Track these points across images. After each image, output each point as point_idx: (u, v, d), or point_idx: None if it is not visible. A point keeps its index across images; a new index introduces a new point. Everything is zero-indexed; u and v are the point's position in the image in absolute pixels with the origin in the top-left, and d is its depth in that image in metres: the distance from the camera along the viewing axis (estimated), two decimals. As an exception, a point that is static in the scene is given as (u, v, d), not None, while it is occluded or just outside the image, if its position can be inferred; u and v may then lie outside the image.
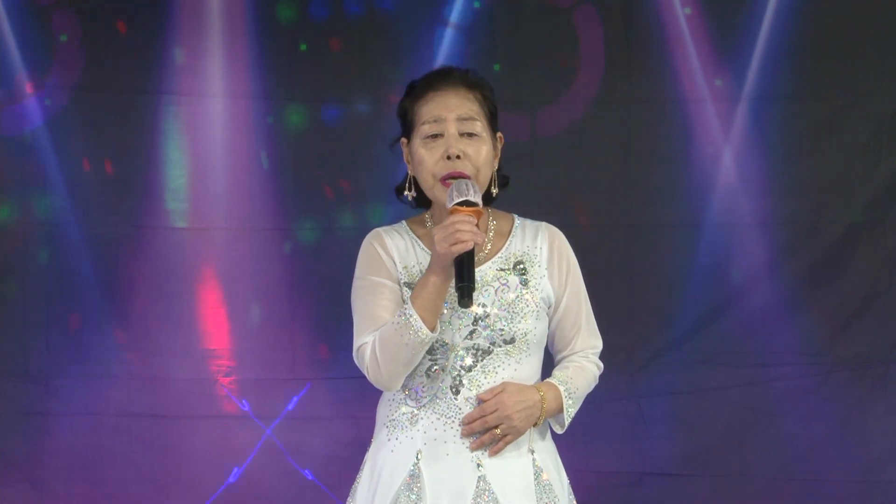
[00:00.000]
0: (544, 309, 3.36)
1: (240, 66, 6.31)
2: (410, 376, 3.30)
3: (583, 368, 3.41)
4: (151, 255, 6.27)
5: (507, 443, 3.26)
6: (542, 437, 3.35)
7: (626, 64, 6.35)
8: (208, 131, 6.33)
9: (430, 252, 3.29)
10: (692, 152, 6.33)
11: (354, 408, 6.18)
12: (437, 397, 3.28)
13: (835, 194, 6.29)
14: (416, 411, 3.30)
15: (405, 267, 3.35)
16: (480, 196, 3.27)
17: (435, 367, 3.29)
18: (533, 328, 3.32)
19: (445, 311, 3.28)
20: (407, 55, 6.28)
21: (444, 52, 6.32)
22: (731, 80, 6.30)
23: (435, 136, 3.32)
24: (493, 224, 3.41)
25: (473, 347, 3.30)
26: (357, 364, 3.32)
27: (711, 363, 6.30)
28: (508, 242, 3.39)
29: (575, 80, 6.37)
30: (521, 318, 3.31)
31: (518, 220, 3.45)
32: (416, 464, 3.27)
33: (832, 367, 6.25)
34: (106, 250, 6.26)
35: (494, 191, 3.40)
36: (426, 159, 3.32)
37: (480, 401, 3.26)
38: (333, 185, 6.33)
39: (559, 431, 3.38)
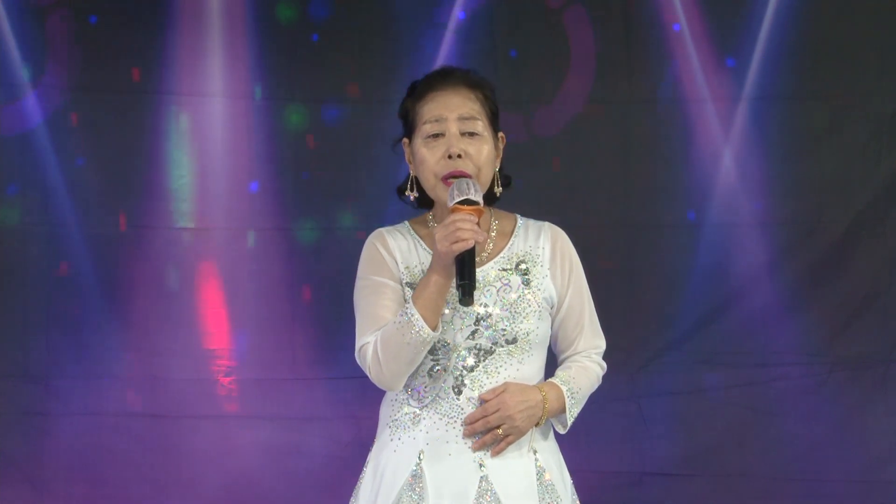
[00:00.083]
0: (547, 309, 3.35)
1: (240, 66, 6.31)
2: (413, 376, 3.30)
3: (586, 368, 3.41)
4: (151, 255, 6.27)
5: (510, 443, 3.26)
6: (545, 437, 3.35)
7: (625, 64, 6.35)
8: (208, 131, 6.33)
9: (432, 252, 3.28)
10: (692, 152, 6.33)
11: (354, 408, 6.18)
12: (439, 397, 3.28)
13: (835, 194, 6.29)
14: (418, 411, 3.30)
15: (407, 267, 3.35)
16: (481, 195, 3.27)
17: (437, 368, 3.29)
18: (535, 328, 3.32)
19: (447, 312, 3.28)
20: (407, 55, 6.28)
21: (444, 51, 6.32)
22: (731, 80, 6.30)
23: (436, 136, 3.33)
24: (495, 224, 3.41)
25: (475, 347, 3.29)
26: (359, 364, 3.32)
27: (711, 363, 6.30)
28: (511, 242, 3.39)
29: (566, 80, 6.37)
30: (524, 318, 3.31)
31: (521, 220, 3.45)
32: (419, 464, 3.26)
33: (832, 367, 6.25)
34: (106, 250, 6.26)
35: (497, 190, 3.39)
36: (427, 159, 3.32)
37: (482, 401, 3.26)
38: (333, 184, 6.33)
39: (562, 432, 3.38)
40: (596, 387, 3.45)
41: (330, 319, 6.21)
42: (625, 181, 6.35)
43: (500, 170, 3.40)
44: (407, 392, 3.31)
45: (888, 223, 6.25)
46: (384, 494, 3.27)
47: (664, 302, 6.30)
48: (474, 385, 3.28)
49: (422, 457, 3.27)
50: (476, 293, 3.26)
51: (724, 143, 6.31)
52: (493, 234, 3.40)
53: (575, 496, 3.39)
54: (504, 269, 3.35)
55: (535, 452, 3.31)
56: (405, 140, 3.42)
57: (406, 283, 3.33)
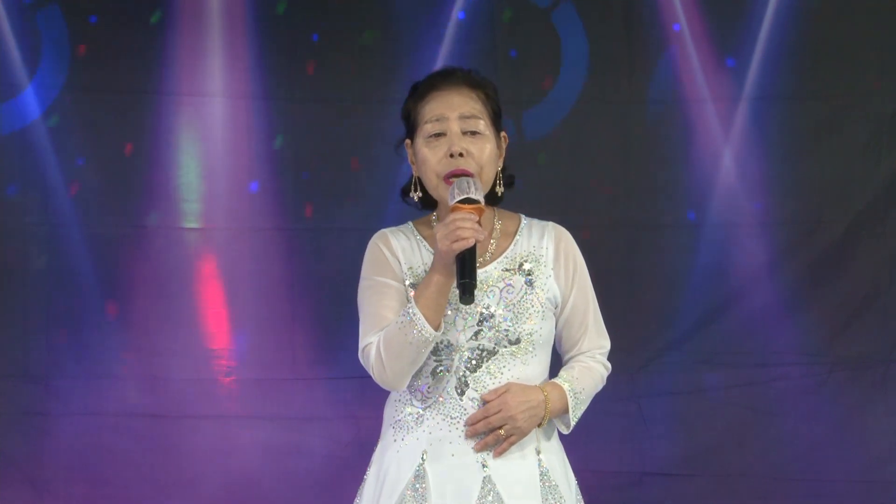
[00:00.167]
0: (550, 309, 3.35)
1: (240, 66, 6.31)
2: (416, 377, 3.29)
3: (589, 369, 3.40)
4: (151, 255, 6.26)
5: (512, 443, 3.26)
6: (549, 437, 3.35)
7: (625, 64, 6.35)
8: (208, 131, 6.32)
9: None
10: (692, 152, 6.33)
11: (354, 408, 6.18)
12: (442, 398, 3.28)
13: (835, 194, 6.29)
14: (421, 412, 3.29)
15: (410, 267, 3.35)
16: (482, 194, 3.27)
17: (440, 368, 3.29)
18: (538, 329, 3.31)
19: (450, 312, 3.27)
20: (407, 55, 6.28)
21: (443, 51, 6.32)
22: (731, 80, 6.30)
23: (438, 135, 3.32)
24: (498, 224, 3.41)
25: (478, 348, 3.29)
26: (362, 364, 3.32)
27: (711, 363, 6.30)
28: (514, 242, 3.39)
29: (566, 79, 6.37)
30: (527, 318, 3.30)
31: (525, 220, 3.44)
32: (422, 464, 3.26)
33: (832, 367, 6.25)
34: (106, 250, 6.26)
35: (499, 190, 3.39)
36: (429, 158, 3.32)
37: (485, 401, 3.26)
38: (333, 184, 6.33)
39: (565, 432, 3.37)
40: (600, 387, 3.45)
41: (330, 319, 6.21)
42: (625, 181, 6.35)
43: (503, 169, 3.40)
44: (410, 392, 3.31)
45: (888, 223, 6.25)
46: (387, 495, 3.27)
47: (664, 302, 6.30)
48: (477, 386, 3.28)
49: (425, 457, 3.27)
50: (479, 293, 3.26)
51: (724, 143, 6.31)
52: (497, 234, 3.39)
53: (580, 496, 3.39)
54: (507, 270, 3.35)
55: (538, 453, 3.31)
56: (407, 141, 3.42)
57: (409, 284, 3.33)
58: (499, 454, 3.25)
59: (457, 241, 3.16)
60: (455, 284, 3.21)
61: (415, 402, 3.31)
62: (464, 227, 3.16)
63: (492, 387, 3.28)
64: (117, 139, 6.28)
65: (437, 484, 3.24)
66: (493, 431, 3.25)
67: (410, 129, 3.40)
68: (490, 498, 3.23)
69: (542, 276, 3.35)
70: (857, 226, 6.26)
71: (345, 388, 6.20)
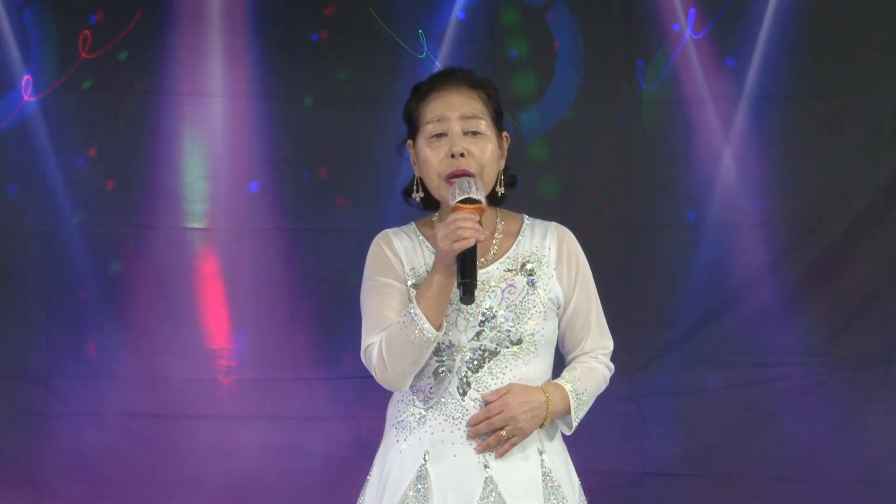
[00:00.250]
0: (552, 309, 3.35)
1: (240, 66, 6.31)
2: (418, 377, 3.30)
3: (592, 369, 3.41)
4: (151, 255, 6.26)
5: (514, 444, 3.26)
6: (551, 438, 3.35)
7: (625, 64, 6.35)
8: (208, 131, 6.32)
9: (436, 252, 3.29)
10: (692, 152, 6.33)
11: (354, 408, 6.18)
12: (444, 398, 3.29)
13: (835, 194, 6.28)
14: (423, 412, 3.30)
15: (412, 268, 3.36)
16: (484, 193, 3.27)
17: (442, 369, 3.30)
18: (540, 329, 3.32)
19: (451, 313, 3.27)
20: (407, 55, 6.28)
21: (443, 52, 6.32)
22: (731, 79, 6.30)
23: (439, 136, 3.33)
24: (501, 224, 3.41)
25: (480, 349, 3.30)
26: (365, 364, 3.32)
27: (711, 363, 6.30)
28: (517, 243, 3.39)
29: (566, 80, 6.37)
30: (528, 318, 3.31)
31: (527, 221, 3.45)
32: (424, 465, 3.27)
33: (832, 367, 6.24)
34: (106, 250, 6.26)
35: (501, 190, 3.39)
36: (431, 158, 3.32)
37: (486, 402, 3.26)
38: (334, 185, 6.33)
39: (567, 433, 3.38)
40: (603, 388, 3.45)
41: (330, 320, 6.21)
42: (625, 181, 6.35)
43: (504, 169, 3.40)
44: (412, 393, 3.32)
45: (888, 223, 6.25)
46: (389, 495, 3.27)
47: (664, 302, 6.30)
48: (479, 386, 3.28)
49: (427, 458, 3.27)
50: (481, 294, 3.27)
51: (724, 143, 6.31)
52: (499, 234, 3.40)
53: (583, 497, 3.39)
54: (509, 270, 3.35)
55: (541, 454, 3.31)
56: (409, 142, 3.42)
57: (411, 285, 3.33)
58: (501, 455, 3.26)
59: (457, 240, 3.17)
60: (456, 284, 3.20)
61: (417, 403, 3.31)
62: (464, 227, 3.17)
63: (494, 387, 3.28)
64: (117, 139, 6.28)
65: (439, 484, 3.24)
66: (494, 432, 3.24)
67: (412, 130, 3.40)
68: (492, 499, 3.24)
69: (545, 277, 3.35)
70: (857, 226, 6.26)
71: (345, 388, 6.20)
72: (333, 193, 6.32)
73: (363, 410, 6.12)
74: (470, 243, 3.17)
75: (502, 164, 3.40)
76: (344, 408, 6.24)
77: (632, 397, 6.22)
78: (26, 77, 6.21)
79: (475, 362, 3.29)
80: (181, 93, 6.29)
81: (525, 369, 3.31)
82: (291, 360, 6.28)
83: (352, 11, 6.33)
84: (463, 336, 3.29)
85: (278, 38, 6.31)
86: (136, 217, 6.27)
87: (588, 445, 6.00)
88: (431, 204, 3.42)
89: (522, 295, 3.32)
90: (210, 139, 6.32)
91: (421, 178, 3.38)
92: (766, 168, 6.31)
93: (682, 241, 6.31)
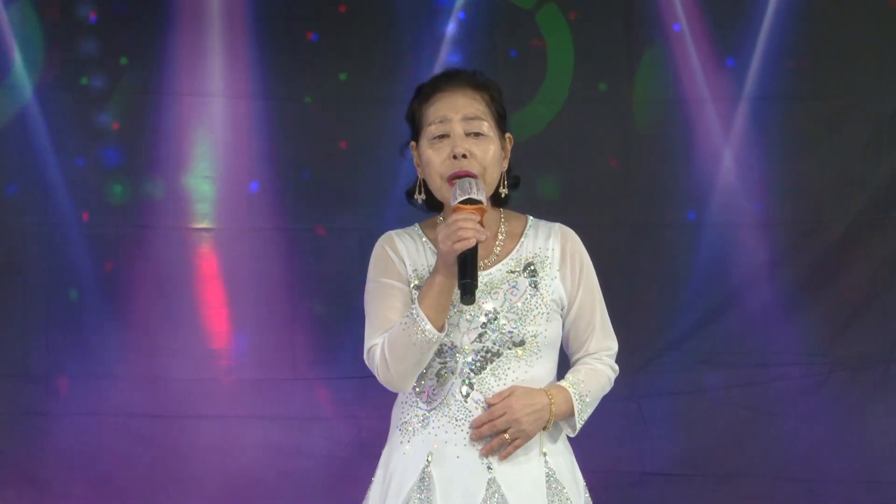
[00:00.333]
0: (556, 311, 3.35)
1: (240, 66, 6.31)
2: (421, 379, 3.30)
3: (596, 371, 3.40)
4: (151, 255, 6.26)
5: (517, 447, 3.25)
6: (554, 440, 3.34)
7: (625, 64, 6.36)
8: (209, 131, 6.32)
9: (439, 254, 3.28)
10: (692, 152, 6.33)
11: (355, 408, 6.18)
12: (447, 400, 3.28)
13: (835, 194, 6.28)
14: (426, 414, 3.29)
15: (415, 269, 3.35)
16: (485, 194, 3.27)
17: (444, 370, 3.29)
18: (543, 330, 3.31)
19: (453, 314, 3.27)
20: (407, 55, 6.28)
21: (444, 52, 6.31)
22: (731, 79, 6.31)
23: (441, 137, 3.32)
24: (504, 226, 3.41)
25: (483, 350, 3.29)
26: (368, 366, 3.32)
27: (711, 363, 6.30)
28: (520, 244, 3.39)
29: (565, 80, 6.37)
30: (531, 320, 3.30)
31: (531, 222, 3.44)
32: (427, 467, 3.26)
33: (832, 367, 6.25)
34: (106, 250, 6.26)
35: (504, 191, 3.39)
36: (433, 159, 3.32)
37: (489, 405, 3.25)
38: (334, 184, 6.33)
39: (571, 435, 3.37)
40: (608, 389, 3.45)
41: (330, 320, 6.21)
42: (625, 181, 6.35)
43: (508, 170, 3.40)
44: (416, 395, 3.31)
45: (888, 223, 6.25)
46: (393, 496, 3.27)
47: (664, 302, 6.30)
48: (482, 388, 3.28)
49: (430, 459, 3.27)
50: (484, 295, 3.27)
51: (724, 143, 6.31)
52: (503, 235, 3.39)
53: (588, 498, 3.39)
54: (511, 272, 3.34)
55: (545, 455, 3.31)
56: (412, 143, 3.42)
57: (414, 286, 3.33)
58: (504, 458, 3.25)
59: (458, 241, 3.16)
60: (457, 285, 3.21)
61: (420, 405, 3.31)
62: (465, 228, 3.16)
63: (496, 389, 3.28)
64: (117, 139, 6.28)
65: (442, 486, 3.24)
66: (498, 435, 3.24)
67: (415, 131, 3.40)
68: (495, 500, 3.23)
69: (548, 278, 3.35)
70: (857, 226, 6.26)
71: (345, 388, 6.20)
72: (334, 193, 6.32)
73: (363, 410, 6.12)
74: (470, 244, 3.17)
75: (505, 166, 3.39)
76: (344, 408, 6.24)
77: (632, 397, 6.22)
78: (29, 79, 6.21)
79: (478, 364, 3.29)
80: (181, 93, 6.29)
81: (528, 371, 3.30)
82: (291, 360, 6.28)
83: (353, 11, 6.33)
84: (465, 337, 3.29)
85: (278, 38, 6.31)
86: (136, 217, 6.27)
87: (588, 445, 6.02)
88: (434, 205, 3.42)
89: (525, 296, 3.32)
90: (210, 139, 6.32)
91: (424, 180, 3.37)
92: (766, 168, 6.31)
93: (682, 241, 6.31)
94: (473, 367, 3.29)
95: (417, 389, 3.31)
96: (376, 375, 3.29)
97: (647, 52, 6.34)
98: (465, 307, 3.26)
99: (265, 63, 6.31)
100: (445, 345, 3.28)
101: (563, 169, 6.35)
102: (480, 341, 3.29)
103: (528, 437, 3.26)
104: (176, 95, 6.28)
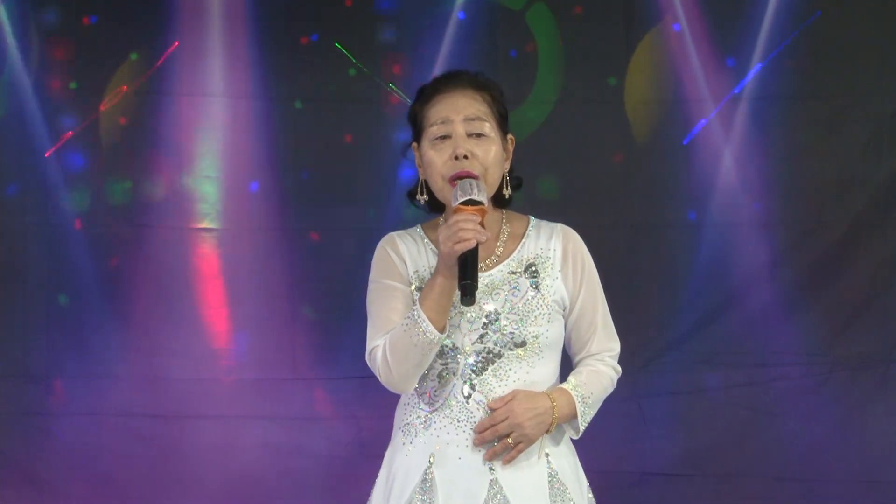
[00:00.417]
0: (558, 311, 3.34)
1: (240, 67, 6.31)
2: (423, 380, 3.29)
3: (598, 372, 3.40)
4: (152, 255, 6.26)
5: (520, 451, 3.24)
6: (558, 441, 3.33)
7: (625, 64, 6.36)
8: (209, 131, 6.32)
9: (441, 255, 3.28)
10: (693, 152, 6.33)
11: (355, 408, 6.18)
12: (448, 401, 3.28)
13: (835, 194, 6.29)
14: (428, 415, 3.29)
15: (416, 271, 3.35)
16: (486, 195, 3.26)
17: (446, 371, 3.29)
18: (544, 331, 3.30)
19: (454, 316, 3.27)
20: (408, 56, 6.28)
21: (444, 52, 6.32)
22: (731, 79, 6.31)
23: (443, 138, 3.32)
24: (506, 227, 3.40)
25: (484, 351, 3.29)
26: (370, 367, 3.32)
27: (712, 363, 6.30)
28: (521, 245, 3.38)
29: (566, 80, 6.37)
30: (532, 321, 3.30)
31: (533, 222, 3.43)
32: (429, 468, 3.26)
33: (832, 367, 6.25)
34: (107, 250, 6.27)
35: (507, 192, 3.39)
36: (435, 160, 3.31)
37: (491, 409, 3.25)
38: (334, 184, 6.33)
39: (574, 437, 3.37)
40: (610, 390, 3.45)
41: (330, 320, 6.21)
42: (625, 181, 6.35)
43: (510, 171, 3.40)
44: (418, 396, 3.31)
45: (888, 223, 6.25)
46: (395, 497, 3.27)
47: (664, 302, 6.30)
48: (483, 389, 3.27)
49: (432, 460, 3.26)
50: (485, 296, 3.27)
51: (725, 143, 6.31)
52: (505, 236, 3.39)
53: (591, 498, 3.39)
54: (513, 273, 3.34)
55: (547, 456, 3.30)
56: (414, 144, 3.41)
57: (415, 288, 3.32)
58: (508, 462, 3.25)
59: (458, 242, 3.16)
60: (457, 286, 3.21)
61: (422, 406, 3.31)
62: (465, 229, 3.16)
63: (498, 390, 3.27)
64: (118, 139, 6.28)
65: (444, 487, 3.24)
66: (501, 440, 3.24)
67: (416, 132, 3.39)
68: (497, 500, 3.23)
69: (549, 278, 3.35)
70: (857, 226, 6.27)
71: (345, 388, 6.20)
72: (334, 193, 6.32)
73: (363, 410, 6.12)
74: (471, 245, 3.16)
75: (507, 167, 3.39)
76: (344, 408, 6.24)
77: (632, 397, 6.22)
78: (29, 80, 6.21)
79: (479, 365, 3.29)
80: (181, 93, 6.29)
81: (530, 371, 3.29)
82: (292, 360, 6.28)
83: (353, 12, 6.33)
84: (466, 339, 3.28)
85: (279, 38, 6.31)
86: (136, 217, 6.28)
87: (588, 446, 6.03)
88: (436, 206, 3.41)
89: (526, 297, 3.31)
90: (211, 139, 6.32)
91: (426, 181, 3.37)
92: (766, 168, 6.31)
93: (683, 241, 6.31)
94: (475, 369, 3.28)
95: (419, 391, 3.31)
96: (378, 377, 3.29)
97: (647, 52, 6.33)
98: (466, 308, 3.25)
99: (265, 63, 6.31)
100: (447, 346, 3.28)
101: (562, 169, 6.35)
102: (482, 342, 3.29)
103: (532, 441, 3.25)
104: (176, 95, 6.28)
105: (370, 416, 6.02)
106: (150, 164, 6.29)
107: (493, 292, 3.31)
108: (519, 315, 3.29)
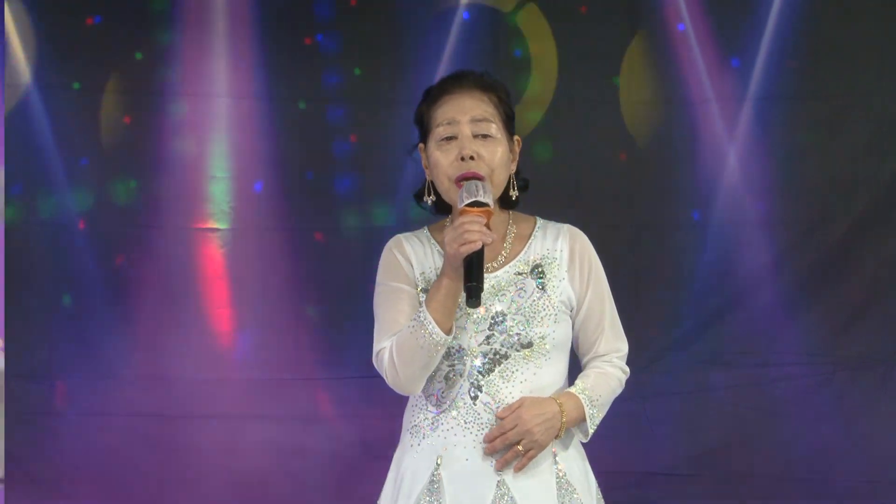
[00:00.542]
0: (564, 312, 3.34)
1: (244, 67, 6.31)
2: (430, 381, 3.29)
3: (605, 374, 3.40)
4: (157, 255, 6.27)
5: (531, 458, 3.23)
6: (566, 444, 3.33)
7: (629, 64, 6.36)
8: (213, 132, 6.33)
9: (448, 257, 3.28)
10: (697, 152, 6.34)
11: (359, 408, 6.19)
12: (455, 402, 3.28)
13: (838, 194, 6.29)
14: (436, 417, 3.29)
15: (422, 272, 3.35)
16: (492, 197, 3.26)
17: (453, 373, 3.29)
18: (551, 332, 3.30)
19: (461, 317, 3.27)
20: (411, 56, 6.28)
21: (447, 52, 6.32)
22: (735, 80, 6.31)
23: (449, 139, 3.31)
24: (513, 228, 3.40)
25: (491, 352, 3.29)
26: (377, 369, 3.31)
27: (716, 363, 6.30)
28: (528, 245, 3.38)
29: (570, 80, 6.37)
30: (538, 321, 3.29)
31: (540, 223, 3.43)
32: (436, 469, 3.26)
33: (836, 367, 6.26)
34: (111, 250, 6.27)
35: (513, 193, 3.39)
36: (441, 161, 3.31)
37: (499, 418, 3.25)
38: (338, 184, 6.33)
39: (584, 440, 3.37)
40: (618, 391, 3.45)
41: (335, 320, 6.22)
42: (630, 181, 6.35)
43: (517, 173, 3.40)
44: (425, 397, 3.31)
45: (891, 223, 6.26)
46: (403, 499, 3.27)
47: (669, 302, 6.30)
48: (490, 390, 3.27)
49: (440, 462, 3.26)
50: (491, 298, 3.27)
51: (729, 144, 6.31)
52: (511, 237, 3.39)
53: (601, 499, 3.39)
54: (519, 273, 3.34)
55: (554, 456, 3.30)
56: (421, 145, 3.41)
57: (421, 290, 3.33)
58: (519, 469, 3.24)
59: (464, 244, 3.15)
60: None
61: (430, 407, 3.30)
62: (471, 231, 3.16)
63: (505, 391, 3.27)
64: (122, 140, 6.29)
65: (451, 488, 3.24)
66: (511, 448, 3.24)
67: (423, 133, 3.39)
68: (504, 501, 3.23)
69: (556, 279, 3.34)
70: (860, 226, 6.27)
71: (349, 388, 6.20)
72: (338, 194, 6.32)
73: (368, 411, 6.12)
74: (476, 246, 3.16)
75: (514, 168, 3.39)
76: (348, 408, 6.24)
77: (636, 397, 6.22)
78: (32, 79, 6.21)
79: (486, 366, 3.29)
80: (185, 93, 6.30)
81: (537, 372, 3.29)
82: (296, 360, 6.29)
83: (357, 12, 6.33)
84: (473, 340, 3.28)
85: (282, 38, 6.32)
86: (141, 217, 6.28)
87: (592, 446, 6.03)
88: (443, 207, 3.41)
89: (532, 298, 3.31)
90: (215, 140, 6.33)
91: (432, 182, 3.37)
92: (769, 168, 6.31)
93: (687, 241, 6.31)
94: (482, 370, 3.28)
95: (427, 392, 3.31)
96: (385, 379, 3.29)
97: (651, 52, 6.34)
98: (472, 309, 3.25)
99: (269, 63, 6.32)
100: (453, 347, 3.28)
101: (567, 169, 6.35)
102: (488, 343, 3.29)
103: (542, 448, 3.25)
104: (180, 96, 6.29)
105: (374, 416, 6.02)
106: (154, 165, 6.29)
107: (500, 293, 3.31)
108: (525, 316, 3.29)
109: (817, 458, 6.19)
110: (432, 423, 3.29)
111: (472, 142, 3.30)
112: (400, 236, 3.42)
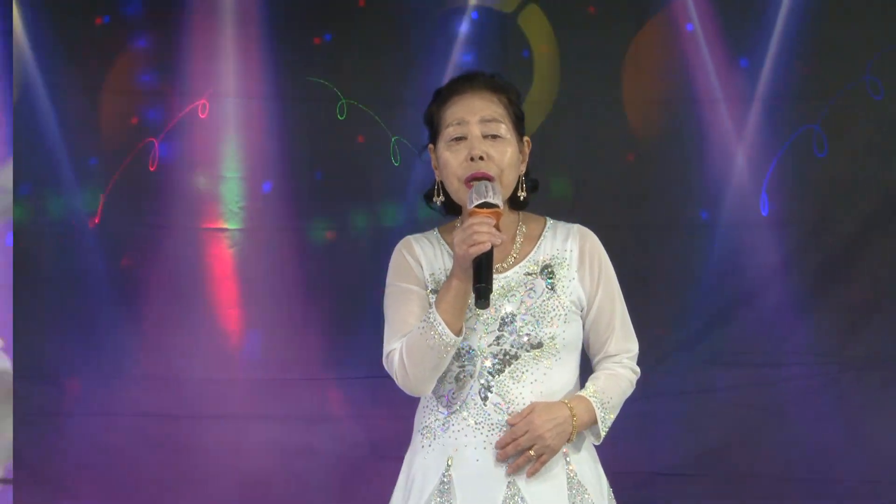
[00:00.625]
0: (574, 312, 3.35)
1: (252, 67, 6.32)
2: (441, 382, 3.30)
3: (616, 375, 3.41)
4: (165, 255, 6.27)
5: (544, 462, 3.24)
6: (578, 446, 3.34)
7: (637, 64, 6.36)
8: (221, 132, 6.33)
9: (458, 258, 3.29)
10: (705, 152, 6.33)
11: (366, 409, 6.19)
12: (466, 403, 3.29)
13: (845, 195, 6.28)
14: (447, 418, 3.30)
15: (432, 273, 3.36)
16: (502, 198, 3.26)
17: (463, 374, 3.30)
18: (561, 332, 3.31)
19: (471, 318, 3.28)
20: (419, 57, 6.29)
21: (455, 53, 6.32)
22: (744, 80, 6.31)
23: (459, 139, 3.33)
24: (523, 228, 3.41)
25: (501, 353, 3.29)
26: (387, 370, 3.32)
27: (722, 363, 6.30)
28: (538, 246, 3.39)
29: (578, 80, 6.37)
30: (548, 322, 3.30)
31: (549, 223, 3.44)
32: (447, 470, 3.27)
33: (841, 368, 6.25)
34: (119, 250, 6.27)
35: (522, 194, 3.39)
36: (451, 162, 3.32)
37: (510, 425, 3.25)
38: (347, 185, 6.34)
39: (596, 443, 3.38)
40: (629, 392, 3.46)
41: (343, 320, 6.21)
42: (638, 181, 6.35)
43: (526, 174, 3.40)
44: (436, 399, 3.32)
45: (898, 224, 6.27)
46: (414, 500, 3.28)
47: (675, 302, 6.30)
48: (500, 391, 3.28)
49: (450, 462, 3.27)
50: (501, 298, 3.27)
51: (738, 144, 6.31)
52: (521, 238, 3.40)
53: (612, 500, 3.40)
54: (529, 274, 3.34)
55: (565, 456, 3.31)
56: (430, 146, 3.42)
57: (431, 291, 3.33)
58: (532, 474, 3.25)
59: (473, 245, 3.16)
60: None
61: (440, 408, 3.31)
62: (480, 231, 3.16)
63: (515, 392, 3.27)
64: (130, 139, 6.30)
65: (462, 490, 3.24)
66: (523, 453, 3.24)
67: (433, 134, 3.40)
68: (515, 502, 3.24)
69: (565, 279, 3.35)
70: (867, 226, 6.26)
71: (357, 388, 6.20)
72: (347, 193, 6.33)
73: (375, 411, 6.12)
74: (486, 247, 3.17)
75: (523, 169, 3.40)
76: (356, 409, 6.24)
77: (642, 397, 6.16)
78: (41, 80, 6.22)
79: (496, 367, 3.29)
80: (193, 93, 6.30)
81: (547, 373, 3.30)
82: (304, 360, 6.29)
83: (366, 12, 6.34)
84: (483, 341, 3.29)
85: (291, 38, 6.31)
86: (149, 217, 6.28)
87: (597, 446, 6.04)
88: (453, 208, 3.42)
89: (542, 298, 3.32)
90: (223, 140, 6.33)
91: (442, 182, 3.38)
92: (777, 168, 6.31)
93: (695, 241, 6.31)
94: (492, 371, 3.29)
95: (437, 393, 3.31)
96: (395, 380, 3.30)
97: (660, 53, 6.34)
98: (480, 310, 3.26)
99: (278, 63, 6.32)
100: (463, 348, 3.28)
101: (575, 169, 6.35)
102: (498, 344, 3.29)
103: (554, 452, 3.25)
104: (188, 96, 6.29)
105: (383, 416, 6.02)
106: (163, 164, 6.30)
107: (510, 294, 3.31)
108: (535, 316, 3.30)
109: (823, 459, 6.18)
110: (443, 424, 3.30)
111: (481, 142, 3.31)
112: (410, 238, 3.42)
